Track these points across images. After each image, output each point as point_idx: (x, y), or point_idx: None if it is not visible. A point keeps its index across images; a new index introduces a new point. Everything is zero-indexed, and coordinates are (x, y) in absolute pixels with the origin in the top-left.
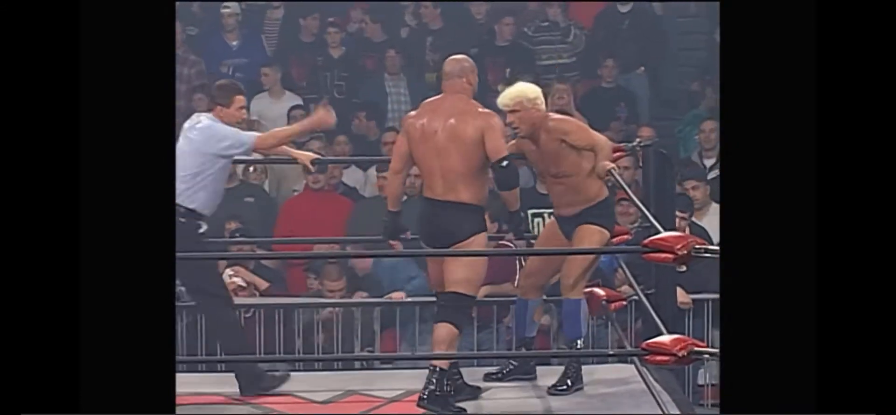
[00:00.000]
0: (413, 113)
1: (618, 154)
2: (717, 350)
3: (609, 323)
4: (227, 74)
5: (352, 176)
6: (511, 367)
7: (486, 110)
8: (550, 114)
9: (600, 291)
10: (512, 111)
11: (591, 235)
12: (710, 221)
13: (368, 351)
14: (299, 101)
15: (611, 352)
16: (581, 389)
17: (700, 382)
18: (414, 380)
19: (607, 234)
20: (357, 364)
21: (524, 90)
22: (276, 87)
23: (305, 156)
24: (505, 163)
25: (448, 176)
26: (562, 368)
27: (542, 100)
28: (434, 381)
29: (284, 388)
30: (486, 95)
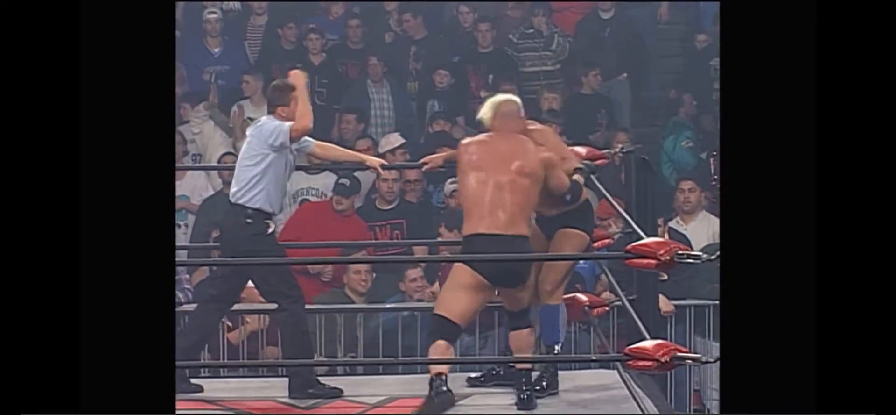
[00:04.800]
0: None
1: (600, 160)
2: (698, 355)
3: (591, 329)
4: (209, 82)
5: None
6: (494, 372)
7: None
8: (529, 122)
9: (583, 297)
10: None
11: (571, 239)
12: (698, 225)
13: (351, 356)
14: None
15: (593, 357)
16: (555, 394)
17: None
18: (397, 386)
19: (587, 237)
20: (340, 370)
21: (500, 102)
22: (257, 95)
23: (376, 161)
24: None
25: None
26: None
27: (521, 109)
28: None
29: (265, 394)
30: (469, 103)
